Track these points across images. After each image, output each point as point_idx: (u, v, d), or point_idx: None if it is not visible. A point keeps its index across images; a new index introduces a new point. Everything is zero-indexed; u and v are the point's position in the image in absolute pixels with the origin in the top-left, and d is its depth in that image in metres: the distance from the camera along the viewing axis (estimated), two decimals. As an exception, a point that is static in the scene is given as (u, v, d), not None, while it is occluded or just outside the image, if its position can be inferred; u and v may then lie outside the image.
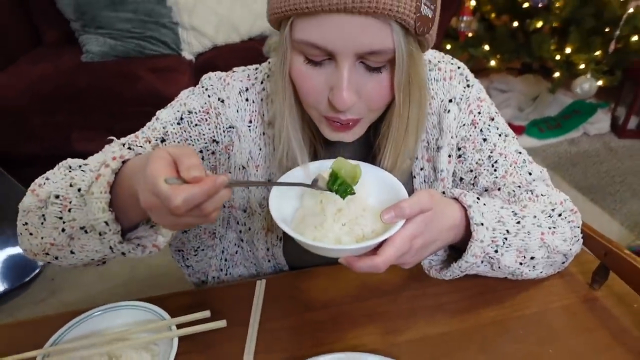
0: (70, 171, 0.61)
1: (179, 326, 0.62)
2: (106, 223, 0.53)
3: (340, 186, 0.54)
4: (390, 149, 0.66)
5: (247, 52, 2.08)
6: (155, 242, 0.58)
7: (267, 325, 0.65)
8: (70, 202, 0.56)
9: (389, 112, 0.65)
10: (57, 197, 0.57)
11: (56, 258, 0.61)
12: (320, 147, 0.71)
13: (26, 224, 0.60)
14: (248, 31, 2.20)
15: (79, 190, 0.56)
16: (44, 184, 0.61)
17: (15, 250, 1.63)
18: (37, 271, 1.70)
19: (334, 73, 0.56)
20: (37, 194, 0.60)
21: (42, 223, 0.58)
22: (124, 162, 0.54)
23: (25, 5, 2.13)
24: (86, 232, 0.56)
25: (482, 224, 0.59)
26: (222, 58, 2.08)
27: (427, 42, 0.58)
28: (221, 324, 0.63)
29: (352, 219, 0.56)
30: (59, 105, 1.83)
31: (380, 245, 0.51)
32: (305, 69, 0.57)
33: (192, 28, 2.11)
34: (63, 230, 0.57)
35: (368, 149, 0.72)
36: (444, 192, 0.65)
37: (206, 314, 0.64)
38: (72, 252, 0.59)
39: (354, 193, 0.55)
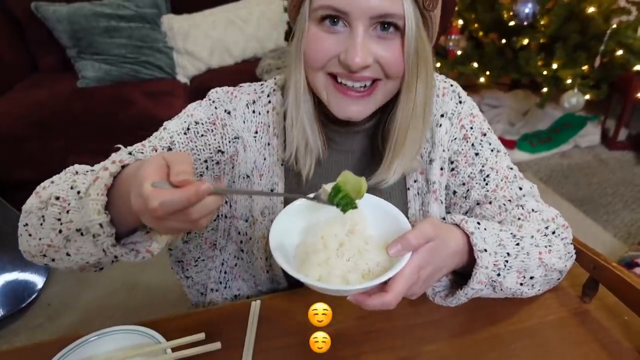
0: (75, 175, 0.61)
1: (174, 349, 0.62)
2: (100, 225, 0.52)
3: (342, 199, 0.52)
4: (398, 132, 0.67)
5: (241, 74, 2.11)
6: (149, 248, 0.57)
7: (262, 347, 0.66)
8: (69, 204, 0.56)
9: (394, 103, 0.67)
10: (57, 198, 0.57)
11: (52, 260, 0.61)
12: (328, 142, 0.73)
13: (26, 224, 0.61)
14: (241, 54, 2.24)
15: (78, 192, 0.56)
16: (48, 186, 0.61)
17: (12, 276, 1.62)
18: (33, 297, 1.69)
19: (348, 37, 0.60)
20: (39, 195, 0.60)
21: (41, 224, 0.58)
22: (123, 167, 0.54)
23: (22, 33, 2.17)
24: (82, 234, 0.55)
25: (485, 250, 0.60)
26: (216, 80, 2.06)
27: (432, 24, 0.62)
28: (216, 346, 0.64)
29: (355, 253, 0.55)
30: (55, 130, 1.84)
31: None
32: (321, 34, 0.61)
33: (187, 52, 2.15)
34: (60, 231, 0.57)
35: (375, 148, 0.74)
36: (444, 219, 0.66)
37: (201, 336, 0.65)
38: (67, 254, 0.59)
39: (355, 207, 0.53)
